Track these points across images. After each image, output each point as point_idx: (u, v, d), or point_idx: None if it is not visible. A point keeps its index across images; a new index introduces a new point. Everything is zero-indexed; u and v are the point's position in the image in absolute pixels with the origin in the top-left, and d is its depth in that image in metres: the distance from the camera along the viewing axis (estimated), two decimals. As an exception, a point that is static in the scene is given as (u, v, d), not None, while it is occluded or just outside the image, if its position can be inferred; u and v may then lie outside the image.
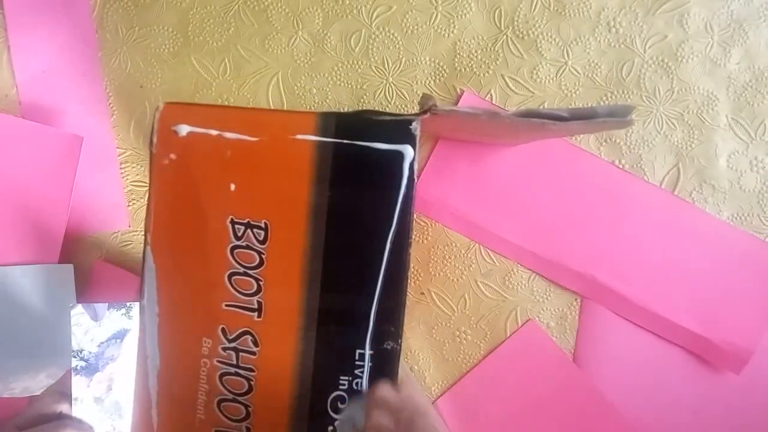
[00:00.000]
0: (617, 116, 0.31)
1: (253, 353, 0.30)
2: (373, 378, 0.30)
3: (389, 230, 0.29)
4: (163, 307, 0.30)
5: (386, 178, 0.29)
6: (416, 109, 0.30)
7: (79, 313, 0.41)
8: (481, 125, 0.35)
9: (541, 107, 0.45)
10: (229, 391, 0.30)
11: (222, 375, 0.30)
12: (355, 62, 0.46)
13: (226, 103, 0.47)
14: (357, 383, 0.30)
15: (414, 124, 0.29)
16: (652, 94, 0.45)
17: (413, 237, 0.37)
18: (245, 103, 0.47)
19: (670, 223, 0.44)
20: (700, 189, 0.44)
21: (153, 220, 0.30)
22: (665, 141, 0.45)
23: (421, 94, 0.37)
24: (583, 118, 0.31)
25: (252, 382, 0.30)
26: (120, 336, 0.41)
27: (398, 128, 0.29)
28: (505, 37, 0.46)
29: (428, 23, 0.46)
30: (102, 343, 0.43)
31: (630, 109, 0.31)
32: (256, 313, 0.30)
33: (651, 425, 0.43)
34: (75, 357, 0.41)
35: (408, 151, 0.29)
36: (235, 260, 0.30)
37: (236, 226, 0.30)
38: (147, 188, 0.41)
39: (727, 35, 0.45)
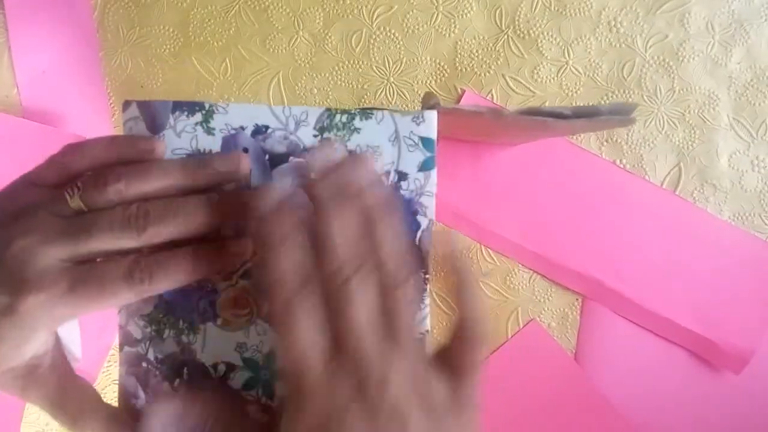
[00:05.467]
0: (620, 114, 0.31)
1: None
2: None
3: None
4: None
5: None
6: (418, 108, 0.30)
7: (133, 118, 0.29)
8: (483, 124, 0.35)
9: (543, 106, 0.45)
10: None
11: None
12: (356, 62, 0.46)
13: (227, 103, 0.46)
14: None
15: None
16: (653, 94, 0.45)
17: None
18: (246, 102, 0.47)
19: (672, 222, 0.44)
20: (701, 189, 0.44)
21: None
22: (666, 141, 0.45)
23: (423, 93, 0.37)
24: (586, 116, 0.31)
25: None
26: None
27: None
28: (506, 36, 0.46)
29: (429, 23, 0.46)
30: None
31: (632, 107, 0.31)
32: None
33: (651, 425, 0.43)
34: None
35: None
36: None
37: None
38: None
39: (729, 35, 0.45)
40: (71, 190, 0.25)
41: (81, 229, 0.25)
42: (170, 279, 0.26)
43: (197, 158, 0.27)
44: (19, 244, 0.24)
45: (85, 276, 0.25)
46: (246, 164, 0.27)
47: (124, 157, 0.27)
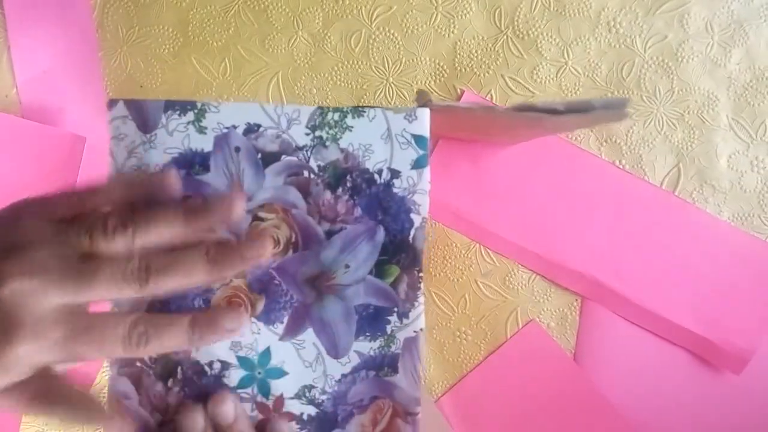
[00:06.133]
0: (613, 109, 0.31)
1: None
2: None
3: None
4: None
5: None
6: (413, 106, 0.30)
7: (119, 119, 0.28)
8: (477, 121, 0.35)
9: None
10: None
11: None
12: (355, 62, 0.46)
13: (227, 103, 0.46)
14: None
15: None
16: (652, 95, 0.45)
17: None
18: (245, 103, 0.47)
19: (671, 223, 0.44)
20: (700, 189, 0.44)
21: None
22: (666, 141, 0.45)
23: (416, 91, 0.37)
24: (579, 111, 0.30)
25: None
26: (186, 163, 0.29)
27: None
28: (505, 37, 0.46)
29: (428, 23, 0.46)
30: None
31: (626, 101, 0.31)
32: None
33: (651, 425, 0.43)
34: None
35: None
36: None
37: None
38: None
39: (728, 35, 0.45)
40: (79, 232, 0.25)
41: (84, 277, 0.25)
42: (164, 347, 0.26)
43: (198, 204, 0.27)
44: (16, 285, 0.24)
45: (83, 329, 0.25)
46: (240, 210, 0.27)
47: (140, 197, 0.27)
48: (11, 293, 0.24)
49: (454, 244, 0.45)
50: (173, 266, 0.26)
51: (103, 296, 0.25)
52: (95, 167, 0.46)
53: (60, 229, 0.26)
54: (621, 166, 0.45)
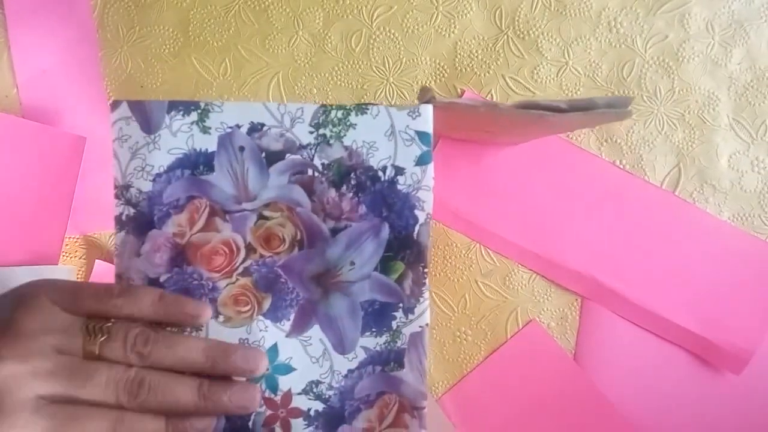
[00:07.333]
0: (616, 107, 0.31)
1: None
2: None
3: None
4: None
5: None
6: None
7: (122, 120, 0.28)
8: (480, 119, 0.35)
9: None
10: None
11: None
12: (356, 62, 0.46)
13: (227, 103, 0.46)
14: None
15: None
16: (653, 94, 0.45)
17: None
18: (246, 103, 0.47)
19: (671, 223, 0.44)
20: (701, 189, 0.44)
21: None
22: (666, 141, 0.45)
23: (419, 88, 0.37)
24: (582, 109, 0.31)
25: None
26: (191, 163, 0.28)
27: None
28: (505, 37, 0.46)
29: (429, 23, 0.46)
30: (160, 175, 0.28)
31: (629, 100, 0.31)
32: None
33: (651, 425, 0.43)
34: (119, 199, 0.28)
35: None
36: None
37: None
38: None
39: (728, 35, 0.44)
40: (95, 333, 0.25)
41: (80, 375, 0.25)
42: None
43: (221, 346, 0.27)
44: (7, 368, 0.24)
45: (63, 422, 0.24)
46: (264, 366, 0.28)
47: (167, 318, 0.27)
48: (2, 378, 0.24)
49: (454, 244, 0.45)
50: (165, 389, 0.26)
51: (94, 397, 0.25)
52: (95, 167, 0.46)
53: (74, 322, 0.26)
54: (621, 166, 0.45)
